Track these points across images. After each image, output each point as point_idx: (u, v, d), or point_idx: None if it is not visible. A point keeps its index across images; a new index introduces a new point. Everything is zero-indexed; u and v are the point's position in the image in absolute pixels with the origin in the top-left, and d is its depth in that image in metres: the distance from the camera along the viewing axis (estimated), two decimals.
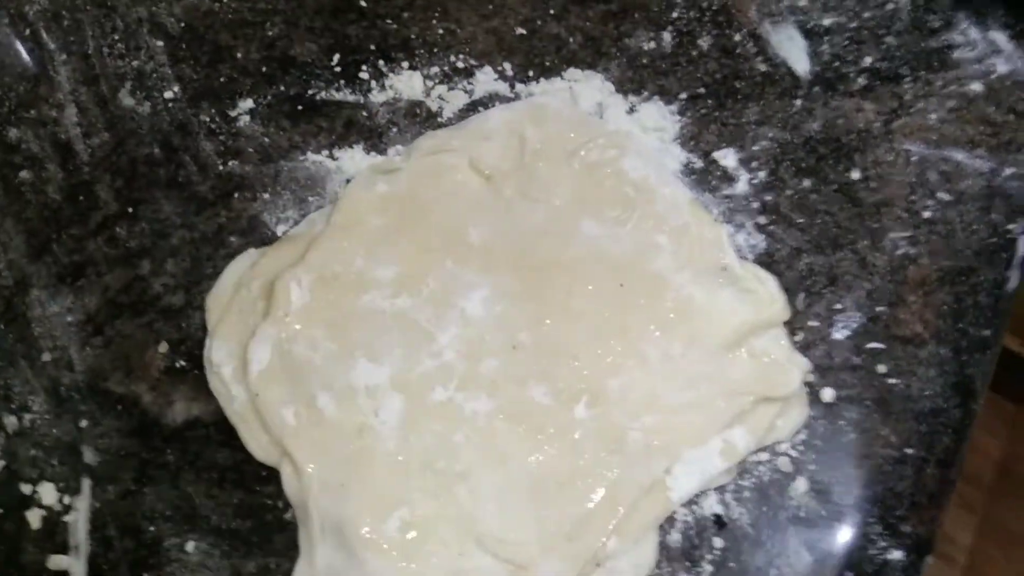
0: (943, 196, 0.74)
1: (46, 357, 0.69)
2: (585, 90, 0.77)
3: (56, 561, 0.64)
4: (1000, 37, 0.75)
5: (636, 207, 0.71)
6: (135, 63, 0.78)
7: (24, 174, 0.74)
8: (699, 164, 0.75)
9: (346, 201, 0.72)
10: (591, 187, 0.72)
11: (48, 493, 0.65)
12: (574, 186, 0.72)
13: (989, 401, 0.71)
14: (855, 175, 0.74)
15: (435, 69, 0.78)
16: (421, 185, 0.72)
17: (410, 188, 0.72)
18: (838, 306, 0.72)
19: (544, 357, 0.68)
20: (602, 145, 0.73)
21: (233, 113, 0.77)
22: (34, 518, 0.65)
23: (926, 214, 0.74)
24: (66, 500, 0.65)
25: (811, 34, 0.77)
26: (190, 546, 0.65)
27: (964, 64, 0.75)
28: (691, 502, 0.67)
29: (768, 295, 0.71)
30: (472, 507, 0.65)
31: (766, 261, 0.73)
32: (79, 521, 0.65)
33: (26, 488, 0.65)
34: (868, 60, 0.76)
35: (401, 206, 0.72)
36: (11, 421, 0.67)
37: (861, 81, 0.76)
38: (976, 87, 0.74)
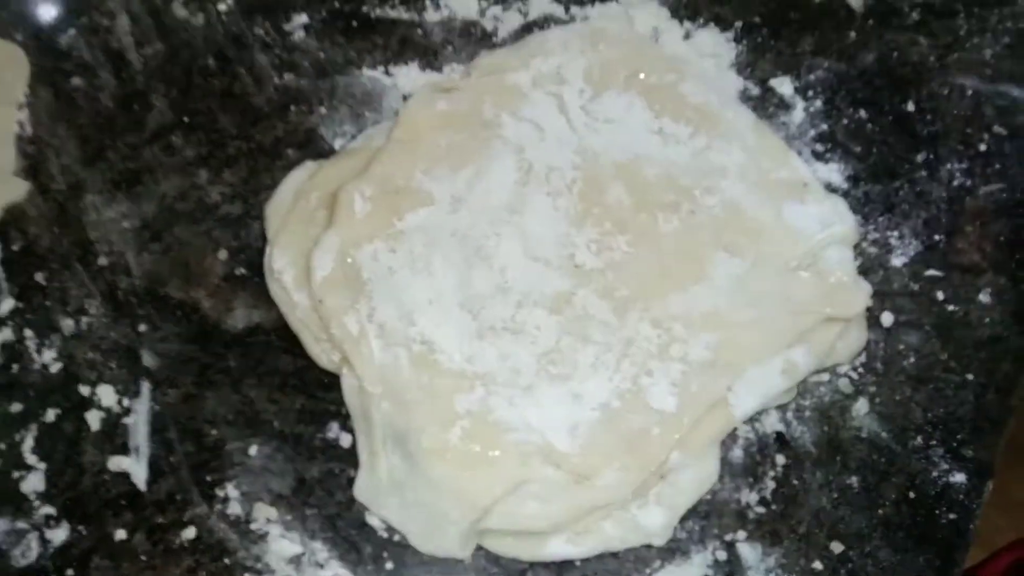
0: (999, 130, 0.74)
1: (102, 261, 0.68)
2: (640, 14, 0.76)
3: (116, 462, 0.63)
4: None
5: (699, 130, 0.71)
6: None
7: (76, 81, 0.72)
8: (755, 91, 0.75)
9: (406, 117, 0.71)
10: (652, 109, 0.72)
11: (107, 395, 0.65)
12: (636, 108, 0.72)
13: None
14: (910, 107, 0.74)
15: None
16: (483, 103, 0.71)
17: (472, 106, 0.71)
18: (895, 233, 0.72)
19: (607, 275, 0.68)
20: (661, 69, 0.73)
21: (287, 27, 0.75)
22: (93, 419, 0.64)
23: (981, 147, 0.74)
24: (125, 402, 0.65)
25: None
26: (253, 450, 0.64)
27: (1019, 1, 0.75)
28: (753, 420, 0.67)
29: (838, 214, 0.70)
30: (534, 420, 0.65)
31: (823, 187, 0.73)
32: (139, 423, 0.64)
33: (84, 390, 0.65)
34: None
35: (463, 123, 0.71)
36: (67, 323, 0.66)
37: (915, 16, 0.75)
38: None
